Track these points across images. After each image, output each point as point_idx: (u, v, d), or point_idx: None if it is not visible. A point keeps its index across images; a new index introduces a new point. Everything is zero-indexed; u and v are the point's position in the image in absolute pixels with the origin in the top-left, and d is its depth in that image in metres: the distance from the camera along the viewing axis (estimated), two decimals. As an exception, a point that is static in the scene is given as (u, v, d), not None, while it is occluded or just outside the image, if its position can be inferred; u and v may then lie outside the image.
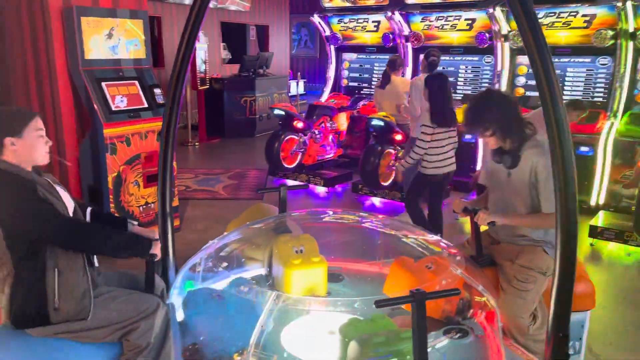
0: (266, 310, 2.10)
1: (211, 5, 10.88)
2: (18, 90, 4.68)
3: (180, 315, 2.37)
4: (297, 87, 12.68)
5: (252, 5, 12.15)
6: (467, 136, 6.33)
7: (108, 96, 4.33)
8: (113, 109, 4.33)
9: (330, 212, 3.47)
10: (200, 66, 9.32)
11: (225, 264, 2.87)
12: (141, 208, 4.65)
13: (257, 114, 10.05)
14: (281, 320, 2.41)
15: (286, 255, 2.88)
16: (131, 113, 4.46)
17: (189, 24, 2.54)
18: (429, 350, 1.88)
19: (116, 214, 4.24)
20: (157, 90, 4.72)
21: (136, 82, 4.62)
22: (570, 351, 2.91)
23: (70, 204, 2.18)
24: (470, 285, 2.41)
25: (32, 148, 2.09)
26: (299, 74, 13.63)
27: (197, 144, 9.35)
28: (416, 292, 1.81)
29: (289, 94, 11.74)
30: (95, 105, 4.23)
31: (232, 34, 12.62)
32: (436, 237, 2.87)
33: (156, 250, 2.27)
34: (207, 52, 9.51)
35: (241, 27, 12.78)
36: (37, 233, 1.98)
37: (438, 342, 2.24)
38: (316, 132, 6.74)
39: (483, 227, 2.83)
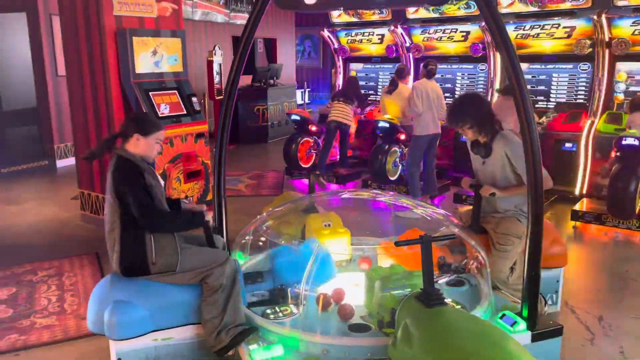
0: (312, 257, 2.80)
1: (220, 19, 11.66)
2: (74, 101, 5.41)
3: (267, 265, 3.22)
4: (303, 96, 13.42)
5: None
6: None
7: (155, 104, 5.05)
8: (159, 115, 5.04)
9: (348, 191, 4.20)
10: (215, 77, 10.03)
11: (265, 238, 3.60)
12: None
13: (269, 121, 10.79)
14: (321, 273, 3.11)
15: (317, 228, 3.61)
16: (174, 118, 5.18)
17: (241, 45, 3.24)
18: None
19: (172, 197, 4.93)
20: (194, 99, 5.44)
21: (176, 92, 5.34)
22: (549, 302, 3.60)
23: (162, 183, 2.90)
24: (465, 242, 3.11)
25: (149, 148, 2.83)
26: (305, 83, 14.37)
27: (214, 149, 10.02)
28: (424, 236, 2.50)
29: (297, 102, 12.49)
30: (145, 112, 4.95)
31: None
32: (442, 211, 3.57)
33: (209, 217, 2.97)
34: (221, 65, 10.23)
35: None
36: (136, 215, 2.68)
37: (441, 279, 2.94)
38: (328, 135, 7.46)
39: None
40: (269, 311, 2.86)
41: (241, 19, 12.26)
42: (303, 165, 7.24)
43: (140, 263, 2.72)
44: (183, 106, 5.34)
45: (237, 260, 3.19)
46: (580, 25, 6.26)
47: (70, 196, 6.54)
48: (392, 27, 7.79)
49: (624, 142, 5.05)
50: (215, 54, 9.86)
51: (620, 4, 6.00)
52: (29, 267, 4.45)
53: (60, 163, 8.24)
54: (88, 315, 2.76)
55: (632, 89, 6.21)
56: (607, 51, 6.18)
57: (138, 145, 2.79)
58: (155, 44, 5.13)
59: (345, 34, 8.61)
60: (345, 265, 3.44)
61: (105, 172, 5.15)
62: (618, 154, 5.12)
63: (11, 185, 7.22)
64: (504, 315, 2.83)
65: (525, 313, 2.80)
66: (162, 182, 2.92)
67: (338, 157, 7.42)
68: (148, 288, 2.74)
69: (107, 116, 5.12)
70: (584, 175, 6.12)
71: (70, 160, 8.15)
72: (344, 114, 7.06)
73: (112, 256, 2.80)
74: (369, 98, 8.54)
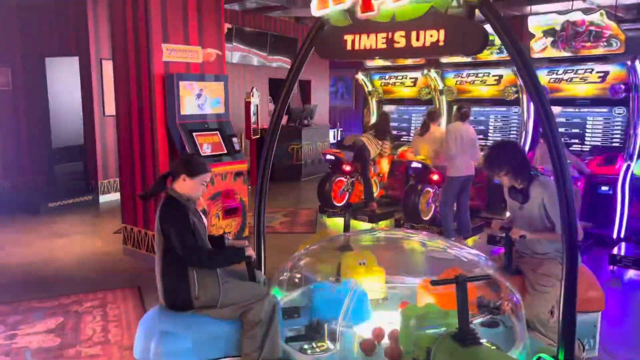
0: (350, 294, 2.89)
1: (257, 62, 12.10)
2: (122, 139, 5.71)
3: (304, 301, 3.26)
4: (336, 135, 13.68)
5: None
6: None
7: (198, 144, 5.31)
8: (202, 154, 5.28)
9: (381, 231, 4.30)
10: (252, 118, 10.36)
11: (302, 275, 3.71)
12: (220, 237, 5.53)
13: (303, 160, 11.04)
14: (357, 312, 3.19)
15: (352, 266, 3.70)
16: (215, 157, 5.42)
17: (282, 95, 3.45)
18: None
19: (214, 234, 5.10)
20: (234, 139, 5.68)
21: (218, 133, 5.60)
22: (587, 346, 3.56)
23: (205, 222, 3.07)
24: (500, 284, 3.15)
25: (194, 188, 2.98)
26: (338, 122, 14.65)
27: (249, 187, 10.28)
28: (459, 275, 2.57)
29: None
30: (188, 151, 5.19)
31: (277, 89, 13.78)
32: (475, 251, 3.62)
33: (249, 252, 3.09)
34: (258, 106, 10.58)
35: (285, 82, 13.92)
36: (180, 253, 2.83)
37: (475, 319, 2.97)
38: (361, 174, 7.59)
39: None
40: (306, 346, 2.95)
41: (276, 61, 12.67)
42: (336, 204, 7.36)
43: (184, 298, 2.86)
44: (224, 146, 5.58)
45: (276, 295, 3.30)
46: (614, 70, 6.31)
47: (112, 230, 6.81)
48: (426, 71, 7.99)
49: (661, 186, 5.02)
50: (252, 96, 10.24)
51: (654, 49, 6.06)
52: (74, 298, 4.65)
53: (103, 198, 8.59)
54: (135, 344, 2.90)
55: (668, 132, 6.18)
56: (642, 95, 6.19)
57: (184, 185, 2.95)
58: (199, 88, 5.42)
59: (379, 77, 8.85)
60: (380, 303, 3.51)
61: (149, 208, 5.44)
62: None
63: (58, 218, 7.55)
64: (539, 358, 2.84)
65: (561, 356, 2.79)
66: (205, 221, 3.08)
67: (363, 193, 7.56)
68: (192, 320, 2.87)
69: (152, 154, 5.38)
70: (621, 219, 6.06)
71: (112, 196, 8.49)
72: (371, 143, 7.46)
73: (159, 288, 2.95)
74: (401, 139, 8.69)
